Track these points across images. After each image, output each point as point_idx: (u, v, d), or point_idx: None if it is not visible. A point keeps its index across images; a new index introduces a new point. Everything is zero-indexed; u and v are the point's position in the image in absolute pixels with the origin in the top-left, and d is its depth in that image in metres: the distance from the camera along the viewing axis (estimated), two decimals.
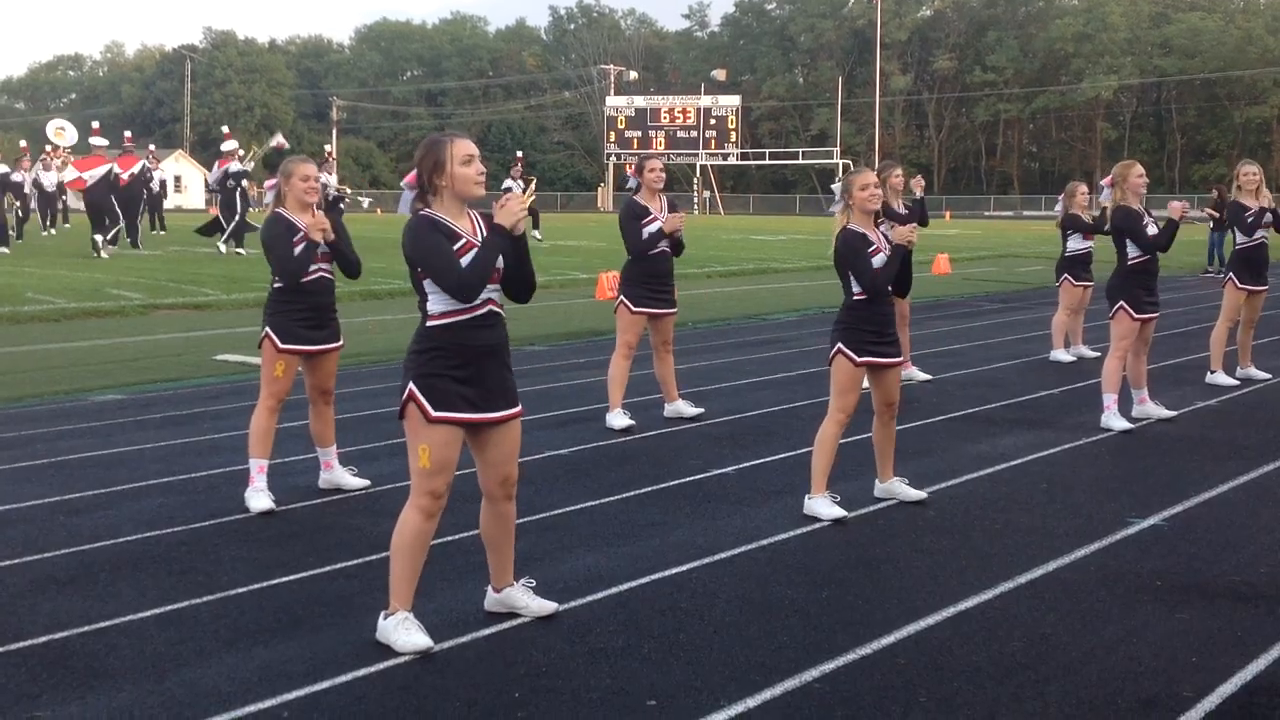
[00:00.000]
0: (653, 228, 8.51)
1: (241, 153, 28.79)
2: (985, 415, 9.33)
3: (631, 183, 8.71)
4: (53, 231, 34.07)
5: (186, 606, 5.01)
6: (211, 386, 10.81)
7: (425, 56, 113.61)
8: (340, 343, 6.82)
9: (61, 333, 14.32)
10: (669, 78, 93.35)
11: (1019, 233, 46.82)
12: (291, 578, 5.39)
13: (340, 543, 5.93)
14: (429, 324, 4.51)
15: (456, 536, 5.82)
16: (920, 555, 5.75)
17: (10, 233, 28.75)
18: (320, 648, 4.55)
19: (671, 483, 7.14)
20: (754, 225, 54.47)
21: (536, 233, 33.01)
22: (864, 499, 6.68)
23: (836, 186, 6.55)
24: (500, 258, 4.48)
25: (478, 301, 4.47)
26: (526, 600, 4.87)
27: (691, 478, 7.27)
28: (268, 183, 6.76)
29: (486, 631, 4.72)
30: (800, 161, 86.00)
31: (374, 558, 5.50)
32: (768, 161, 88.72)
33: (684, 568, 5.51)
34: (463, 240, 4.48)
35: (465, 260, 4.43)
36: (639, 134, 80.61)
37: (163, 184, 33.04)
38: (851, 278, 6.36)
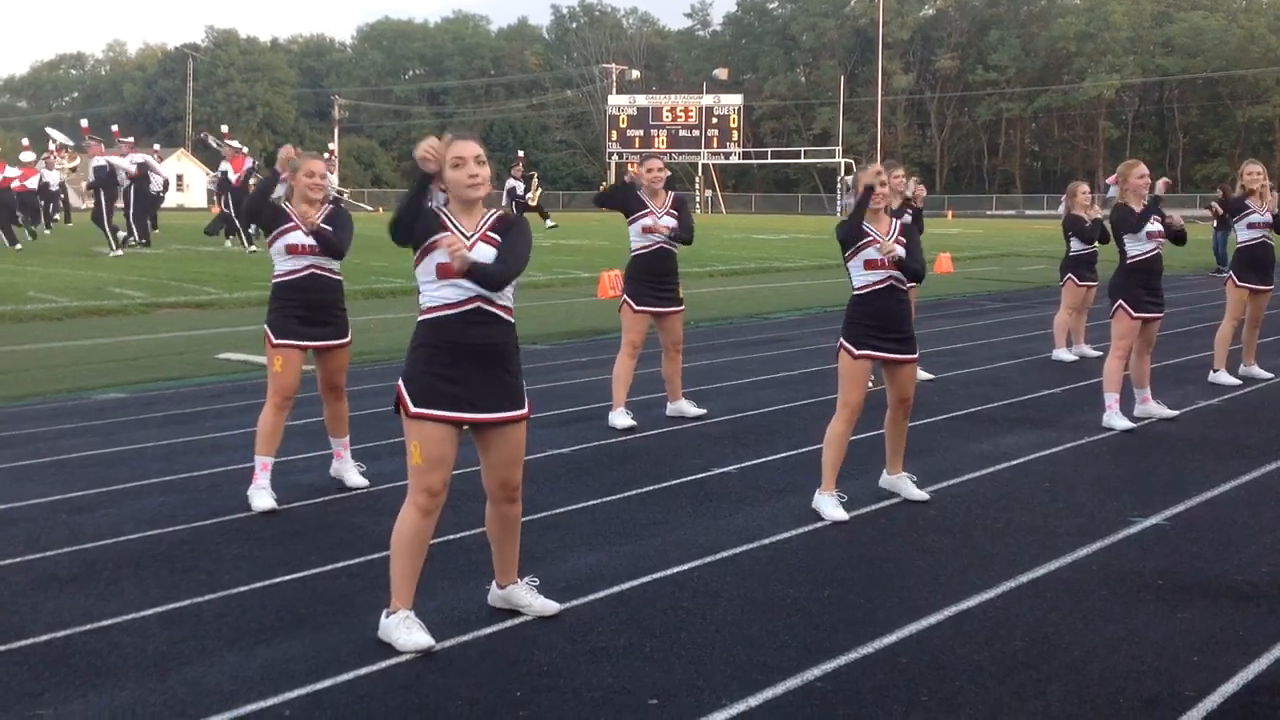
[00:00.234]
0: (645, 222, 8.52)
1: (246, 150, 28.83)
2: (987, 414, 9.33)
3: (627, 176, 8.83)
4: (48, 231, 34.08)
5: (189, 605, 5.02)
6: (213, 385, 10.81)
7: (427, 55, 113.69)
8: (346, 340, 6.82)
9: (63, 331, 14.32)
10: (671, 77, 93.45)
11: (1021, 232, 46.80)
12: (293, 576, 5.39)
13: (342, 541, 5.93)
14: (418, 318, 4.56)
15: (458, 535, 5.83)
16: (922, 554, 5.75)
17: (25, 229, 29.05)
18: (322, 646, 4.55)
19: (673, 482, 7.14)
20: (756, 224, 54.49)
21: (548, 221, 33.56)
22: (867, 497, 6.69)
23: (850, 179, 6.64)
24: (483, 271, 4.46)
25: (462, 298, 4.47)
26: (530, 599, 4.88)
27: (693, 477, 7.27)
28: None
29: (488, 630, 4.72)
30: (802, 161, 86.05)
31: (376, 556, 5.50)
32: (770, 161, 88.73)
33: (686, 567, 5.51)
34: (443, 234, 4.46)
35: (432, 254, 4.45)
36: (641, 133, 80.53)
37: (165, 183, 32.96)
38: (851, 271, 6.45)
